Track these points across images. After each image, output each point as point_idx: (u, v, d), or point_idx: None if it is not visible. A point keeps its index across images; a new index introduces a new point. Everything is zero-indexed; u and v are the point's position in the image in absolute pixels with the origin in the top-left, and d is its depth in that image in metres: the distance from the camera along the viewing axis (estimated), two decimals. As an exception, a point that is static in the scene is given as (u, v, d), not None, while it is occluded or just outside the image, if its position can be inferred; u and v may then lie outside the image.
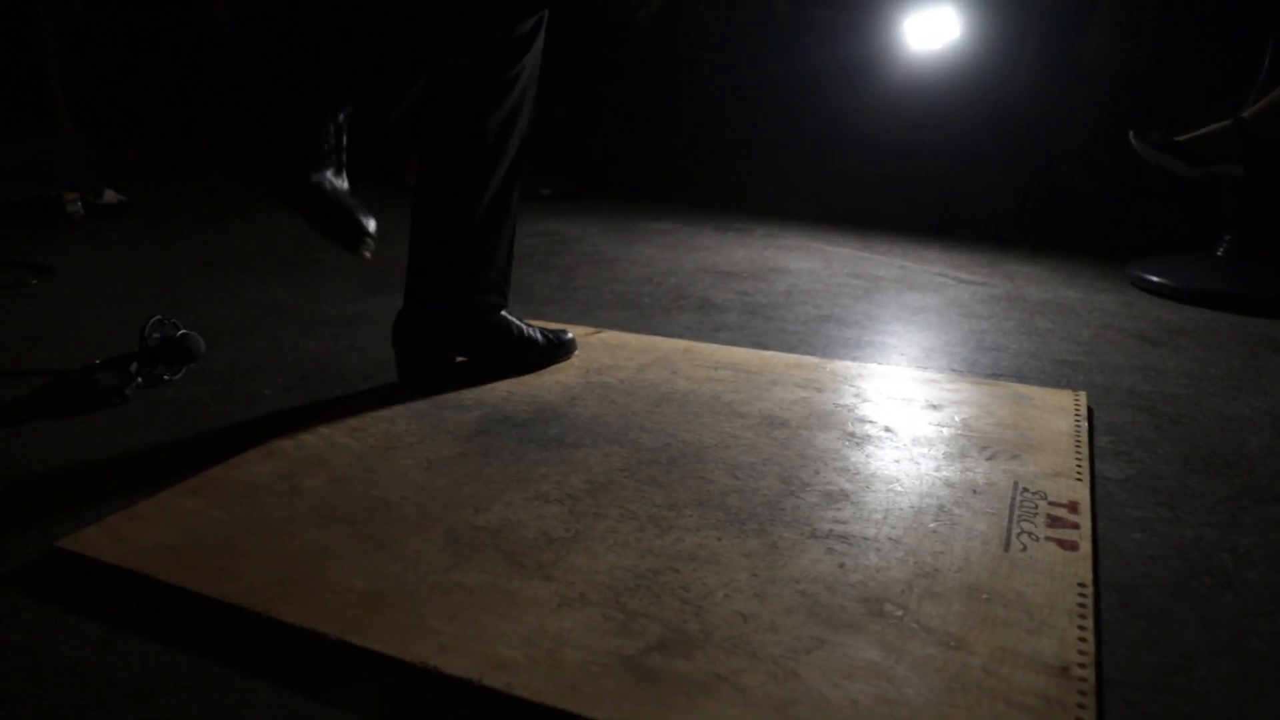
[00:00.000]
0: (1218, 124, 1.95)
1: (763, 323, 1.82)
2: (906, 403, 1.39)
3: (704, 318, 1.85)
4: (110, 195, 2.83)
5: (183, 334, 1.49)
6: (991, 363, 1.61)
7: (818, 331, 1.76)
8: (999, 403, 1.39)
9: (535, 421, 1.31)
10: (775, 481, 1.14)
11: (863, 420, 1.32)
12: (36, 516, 1.07)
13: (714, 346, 1.64)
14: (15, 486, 1.15)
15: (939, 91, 2.74)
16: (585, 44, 3.80)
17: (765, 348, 1.66)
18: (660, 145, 3.86)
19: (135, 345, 1.48)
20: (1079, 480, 1.14)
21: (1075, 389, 1.48)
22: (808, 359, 1.57)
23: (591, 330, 1.71)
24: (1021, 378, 1.54)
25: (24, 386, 1.48)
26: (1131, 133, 2.07)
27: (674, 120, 3.91)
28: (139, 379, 1.44)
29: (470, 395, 1.41)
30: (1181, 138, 1.98)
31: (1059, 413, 1.35)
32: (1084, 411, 1.36)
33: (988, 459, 1.20)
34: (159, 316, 1.51)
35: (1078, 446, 1.24)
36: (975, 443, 1.25)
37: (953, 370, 1.57)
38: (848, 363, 1.56)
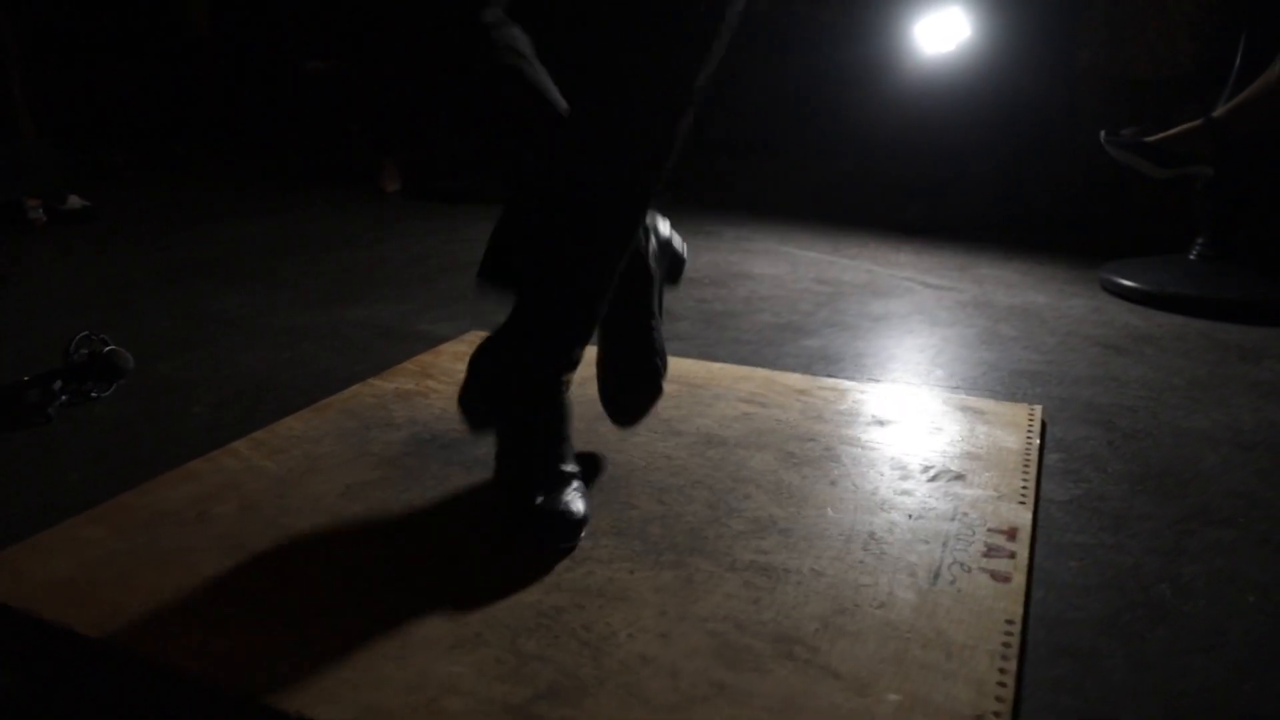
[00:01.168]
0: (1188, 124, 1.90)
1: (717, 332, 1.77)
2: (852, 419, 1.34)
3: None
4: (74, 201, 2.78)
5: (110, 350, 1.45)
6: (949, 374, 1.56)
7: (773, 341, 1.72)
8: (950, 418, 1.34)
9: (464, 441, 1.27)
10: (702, 507, 1.09)
11: (804, 438, 1.27)
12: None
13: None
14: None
15: (932, 91, 2.68)
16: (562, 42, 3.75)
17: (716, 358, 1.61)
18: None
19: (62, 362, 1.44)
20: (1022, 504, 1.09)
21: (1032, 402, 1.43)
22: (757, 371, 1.52)
23: (539, 342, 1.67)
24: (978, 390, 1.49)
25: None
26: (1103, 132, 2.02)
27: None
28: (63, 397, 1.40)
29: (402, 413, 1.36)
30: (1151, 138, 1.92)
31: (1011, 429, 1.30)
32: (1037, 427, 1.31)
33: (929, 480, 1.15)
34: (86, 332, 1.46)
35: (1026, 466, 1.19)
36: (919, 463, 1.20)
37: (907, 382, 1.52)
38: (797, 375, 1.51)
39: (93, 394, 1.44)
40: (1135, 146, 1.93)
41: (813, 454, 1.23)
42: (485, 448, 1.24)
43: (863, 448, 1.24)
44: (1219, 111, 1.87)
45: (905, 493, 1.12)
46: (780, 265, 2.28)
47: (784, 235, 2.59)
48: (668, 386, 1.44)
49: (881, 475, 1.17)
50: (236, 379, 1.53)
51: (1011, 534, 1.02)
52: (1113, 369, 1.58)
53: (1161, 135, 1.93)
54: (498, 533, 1.03)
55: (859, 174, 3.29)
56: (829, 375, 1.54)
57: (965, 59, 2.55)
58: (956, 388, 1.50)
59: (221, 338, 1.73)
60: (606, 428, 1.31)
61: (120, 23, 4.02)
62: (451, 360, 1.57)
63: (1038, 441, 1.27)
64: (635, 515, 1.07)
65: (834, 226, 2.68)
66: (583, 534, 1.02)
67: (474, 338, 1.69)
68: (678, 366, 1.54)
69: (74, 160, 3.22)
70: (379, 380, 1.49)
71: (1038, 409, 1.37)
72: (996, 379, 1.54)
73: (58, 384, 1.39)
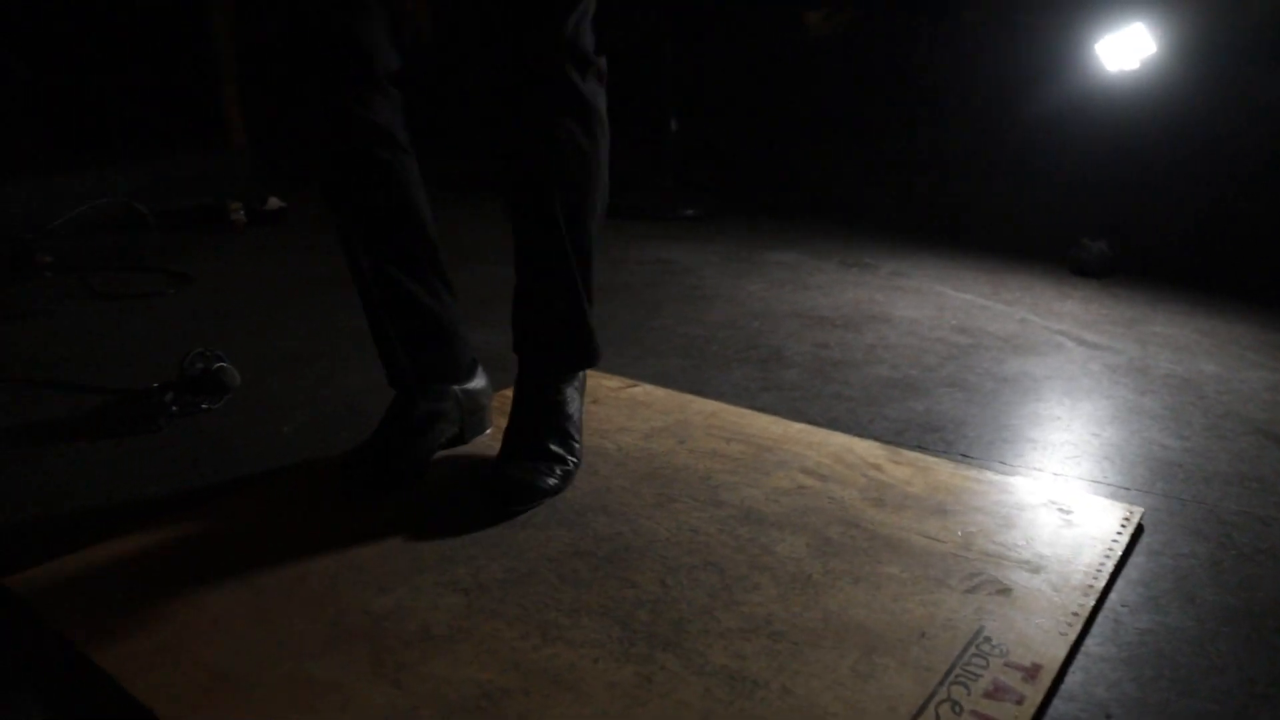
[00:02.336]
0: None
1: (821, 384, 1.67)
2: (915, 504, 1.23)
3: (762, 373, 1.73)
4: (273, 202, 3.02)
5: (219, 367, 1.56)
6: (1057, 456, 1.40)
7: (876, 399, 1.60)
8: (1029, 514, 1.20)
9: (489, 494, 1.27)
10: (703, 594, 1.03)
11: (850, 523, 1.18)
12: (15, 542, 1.15)
13: (744, 412, 1.52)
14: (17, 508, 1.24)
15: (1116, 114, 2.43)
16: (750, 56, 3.69)
17: (807, 415, 1.52)
18: (829, 163, 3.69)
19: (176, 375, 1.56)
20: (1063, 635, 0.96)
21: (1145, 500, 1.26)
22: (835, 437, 1.43)
23: (628, 383, 1.64)
24: (1085, 479, 1.33)
25: (87, 403, 1.59)
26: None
27: (846, 136, 3.73)
28: (174, 408, 1.51)
29: (446, 453, 1.38)
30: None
31: (1094, 536, 1.15)
32: (1128, 535, 1.15)
33: (966, 590, 1.04)
34: (200, 348, 1.58)
35: (1091, 586, 1.04)
36: (965, 566, 1.08)
37: (1001, 463, 1.38)
38: (878, 446, 1.40)
39: (204, 405, 1.55)
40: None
41: (852, 543, 1.13)
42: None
43: (911, 541, 1.14)
44: None
45: (933, 603, 1.01)
46: (926, 308, 2.13)
47: (944, 271, 2.43)
48: (736, 447, 1.38)
49: (915, 578, 1.06)
50: (333, 400, 1.60)
51: (1032, 673, 0.90)
52: (1263, 466, 1.37)
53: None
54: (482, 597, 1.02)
55: (1040, 203, 3.02)
56: (917, 447, 1.42)
57: (1152, 78, 2.28)
58: (1059, 474, 1.34)
59: (340, 354, 1.82)
60: (651, 489, 1.27)
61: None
62: (533, 397, 1.58)
63: (1119, 554, 1.11)
64: (630, 595, 1.03)
65: (1003, 263, 2.48)
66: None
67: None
68: (756, 423, 1.48)
69: (285, 162, 3.49)
70: (457, 413, 1.51)
71: (1137, 512, 1.20)
72: (1113, 468, 1.36)
73: (169, 396, 1.51)
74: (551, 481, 1.23)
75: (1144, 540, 1.17)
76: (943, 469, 1.33)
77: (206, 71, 2.81)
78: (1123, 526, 1.17)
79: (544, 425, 1.28)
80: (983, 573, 1.07)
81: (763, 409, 1.55)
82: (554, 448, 1.26)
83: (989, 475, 1.31)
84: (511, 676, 0.90)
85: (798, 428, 1.46)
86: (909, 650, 0.93)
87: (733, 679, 0.89)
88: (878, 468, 1.33)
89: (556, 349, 1.32)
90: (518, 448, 1.26)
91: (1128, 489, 1.30)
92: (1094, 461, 1.39)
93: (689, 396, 1.58)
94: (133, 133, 2.72)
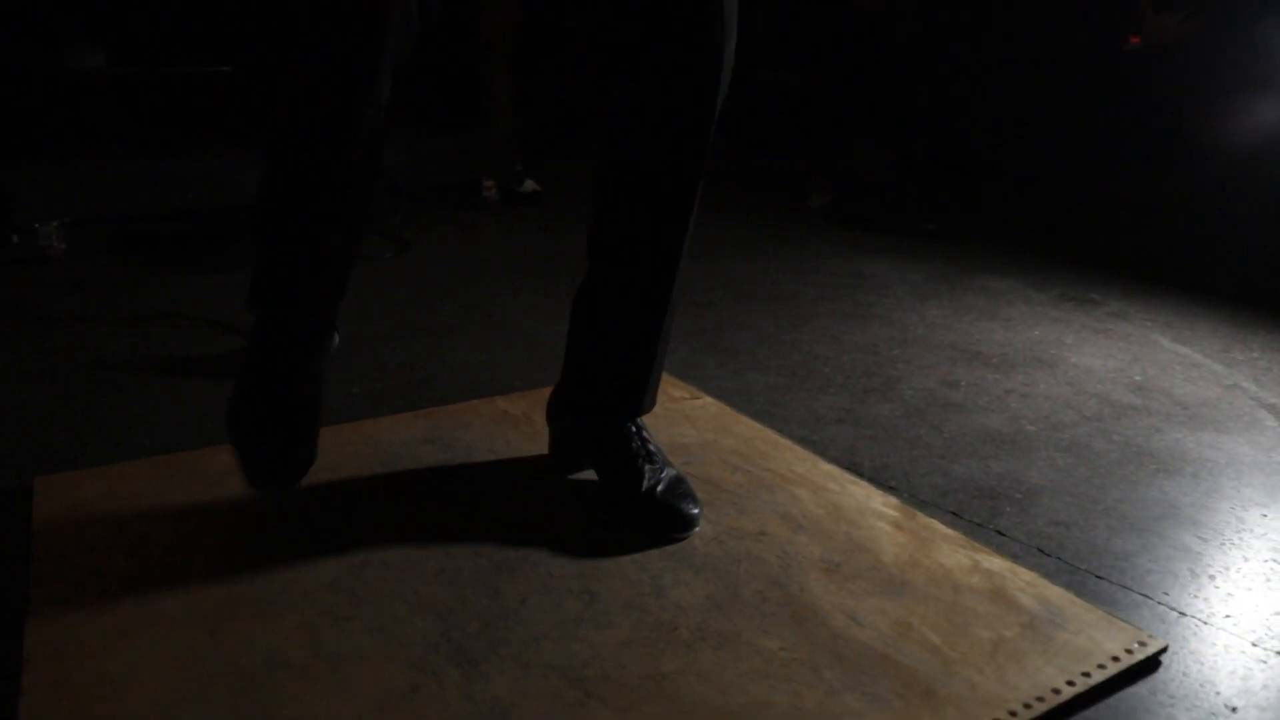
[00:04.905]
0: None
1: (907, 426, 1.48)
2: (873, 575, 1.05)
3: (852, 405, 1.56)
4: (529, 185, 3.20)
5: (323, 326, 1.69)
6: (1117, 557, 1.13)
7: (955, 452, 1.39)
8: (1002, 617, 0.98)
9: (461, 482, 1.26)
10: (549, 621, 0.96)
11: (777, 583, 1.03)
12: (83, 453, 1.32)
13: (781, 443, 1.38)
14: (111, 422, 1.43)
15: None
16: (1049, 63, 3.28)
17: (855, 456, 1.36)
18: (1112, 183, 3.21)
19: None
20: (907, 765, 0.78)
21: (1190, 631, 0.98)
22: (857, 486, 1.25)
23: (693, 394, 1.56)
24: (1126, 588, 1.06)
25: (238, 345, 1.79)
26: None
27: (1148, 155, 3.22)
28: (279, 359, 1.66)
29: (472, 439, 1.39)
30: None
31: (1065, 661, 0.92)
32: (1117, 671, 0.90)
33: (833, 690, 0.87)
34: (314, 308, 1.72)
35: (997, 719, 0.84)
36: (864, 659, 0.91)
37: (1038, 551, 1.13)
38: (895, 503, 1.21)
39: (313, 359, 1.69)
40: None
41: (756, 606, 1.00)
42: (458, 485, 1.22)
43: (827, 618, 0.98)
44: None
45: (782, 693, 0.87)
46: (1116, 357, 1.80)
47: (1176, 318, 2.03)
48: (739, 477, 1.27)
49: (789, 660, 0.91)
50: (410, 370, 1.67)
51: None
52: None
53: None
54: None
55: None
56: (952, 513, 1.21)
57: None
58: (1102, 578, 1.08)
59: (463, 332, 1.89)
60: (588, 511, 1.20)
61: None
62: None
63: (1082, 690, 0.88)
64: (481, 604, 0.99)
65: (1260, 316, 2.03)
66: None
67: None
68: (783, 456, 1.34)
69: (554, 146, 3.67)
70: (505, 400, 1.52)
71: (1152, 645, 0.94)
72: (1183, 583, 1.07)
73: (277, 347, 1.66)
74: (696, 510, 1.15)
75: (1151, 681, 0.92)
76: (947, 544, 1.12)
77: (477, 53, 3.03)
78: (1116, 658, 0.92)
79: (644, 452, 1.20)
80: (870, 672, 0.90)
81: (816, 443, 1.40)
82: (672, 471, 1.20)
83: (997, 562, 1.09)
84: (307, 652, 0.90)
85: (825, 469, 1.31)
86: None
87: (489, 715, 0.82)
88: (871, 529, 1.15)
89: (635, 394, 1.23)
90: (650, 482, 1.17)
91: (1183, 614, 1.02)
92: (1164, 571, 1.10)
93: (738, 417, 1.47)
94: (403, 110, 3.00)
